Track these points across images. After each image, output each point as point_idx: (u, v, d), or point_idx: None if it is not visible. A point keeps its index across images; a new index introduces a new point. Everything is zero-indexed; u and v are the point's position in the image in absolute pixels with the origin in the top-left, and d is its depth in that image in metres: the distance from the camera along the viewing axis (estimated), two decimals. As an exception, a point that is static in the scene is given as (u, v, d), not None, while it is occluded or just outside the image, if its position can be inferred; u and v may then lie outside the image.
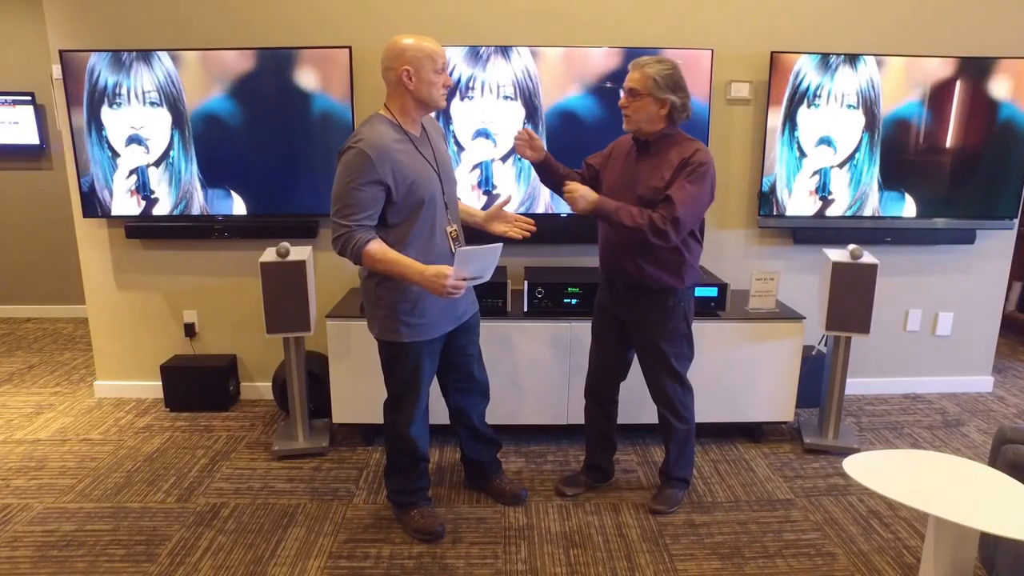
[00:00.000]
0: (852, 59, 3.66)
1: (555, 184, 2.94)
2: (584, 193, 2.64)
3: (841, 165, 3.79)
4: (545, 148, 2.87)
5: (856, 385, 4.23)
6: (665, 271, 2.75)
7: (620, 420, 3.18)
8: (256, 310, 3.92)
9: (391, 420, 2.78)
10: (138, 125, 3.61)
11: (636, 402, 3.30)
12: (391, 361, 2.69)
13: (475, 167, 3.69)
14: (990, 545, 2.16)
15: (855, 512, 3.02)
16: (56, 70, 3.59)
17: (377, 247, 2.43)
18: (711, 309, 3.47)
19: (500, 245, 2.44)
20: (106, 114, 3.59)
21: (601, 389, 3.07)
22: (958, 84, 3.73)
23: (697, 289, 3.45)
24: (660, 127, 2.69)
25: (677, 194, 2.60)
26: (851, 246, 3.35)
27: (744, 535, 2.86)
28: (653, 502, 3.03)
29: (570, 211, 3.66)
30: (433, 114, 2.76)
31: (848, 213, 3.86)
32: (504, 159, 3.68)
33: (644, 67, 2.63)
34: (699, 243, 2.82)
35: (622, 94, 2.70)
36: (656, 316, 2.82)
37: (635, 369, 3.03)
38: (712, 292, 3.46)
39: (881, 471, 2.11)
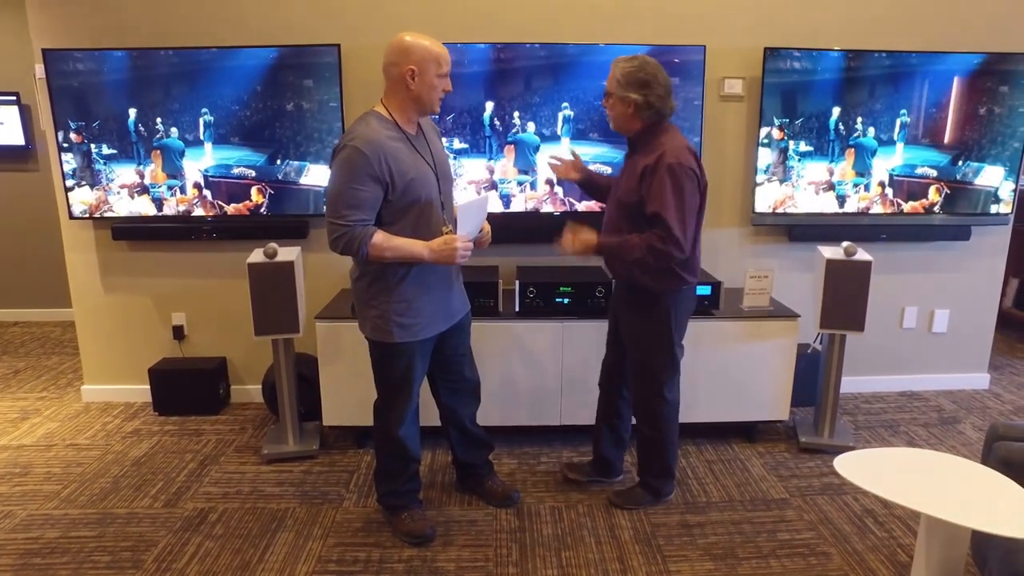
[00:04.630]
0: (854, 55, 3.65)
1: (604, 196, 2.96)
2: (581, 240, 2.66)
3: (836, 161, 3.77)
4: (586, 166, 2.94)
5: (852, 383, 4.20)
6: (651, 276, 2.72)
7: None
8: (246, 312, 3.87)
9: (381, 421, 2.75)
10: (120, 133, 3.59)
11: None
12: (383, 362, 2.66)
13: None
14: (983, 542, 2.13)
15: (850, 511, 2.99)
16: (39, 69, 3.55)
17: (381, 237, 2.43)
18: (705, 308, 3.44)
19: (487, 196, 2.50)
20: (90, 115, 3.56)
21: (609, 383, 3.07)
22: (954, 80, 3.71)
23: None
24: (636, 126, 2.68)
25: (663, 210, 2.54)
26: (845, 243, 3.32)
27: (738, 535, 2.82)
28: (614, 495, 3.04)
29: (564, 210, 3.71)
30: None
31: (845, 210, 3.84)
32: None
33: (614, 66, 2.65)
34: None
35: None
36: (638, 318, 2.81)
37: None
38: (705, 291, 3.42)
39: (872, 469, 2.09)
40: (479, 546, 2.76)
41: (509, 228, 3.62)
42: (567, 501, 3.06)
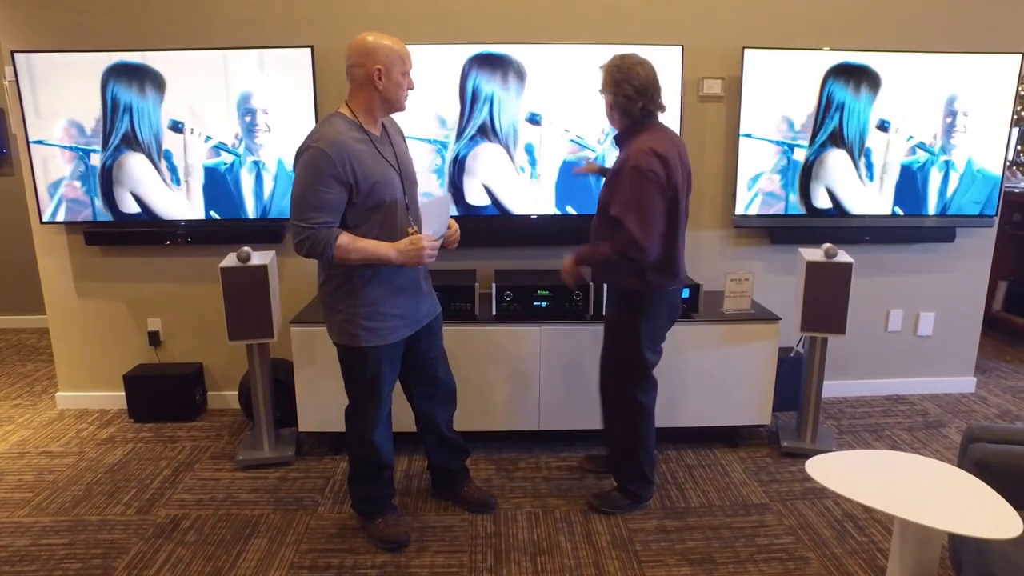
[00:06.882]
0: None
1: None
2: (566, 262, 2.78)
3: (820, 160, 3.75)
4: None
5: (838, 387, 4.17)
6: (630, 277, 2.72)
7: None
8: (222, 317, 3.83)
9: (353, 427, 2.71)
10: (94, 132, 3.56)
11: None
12: (351, 366, 2.63)
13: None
14: (958, 543, 2.11)
15: (830, 516, 2.95)
16: (8, 72, 3.52)
17: (346, 239, 2.40)
18: (685, 311, 3.40)
19: (449, 194, 2.54)
20: (64, 118, 3.53)
21: (603, 385, 3.09)
22: (928, 79, 3.69)
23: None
24: (619, 126, 2.70)
25: (623, 213, 2.55)
26: (825, 245, 3.29)
27: (716, 540, 2.79)
28: (592, 497, 3.02)
29: (540, 213, 3.68)
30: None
31: (828, 211, 3.82)
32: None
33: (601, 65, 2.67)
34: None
35: None
36: (613, 313, 2.84)
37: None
38: (685, 294, 3.39)
39: (845, 472, 2.07)
40: (454, 552, 2.72)
41: (486, 230, 3.61)
42: (544, 507, 3.02)
